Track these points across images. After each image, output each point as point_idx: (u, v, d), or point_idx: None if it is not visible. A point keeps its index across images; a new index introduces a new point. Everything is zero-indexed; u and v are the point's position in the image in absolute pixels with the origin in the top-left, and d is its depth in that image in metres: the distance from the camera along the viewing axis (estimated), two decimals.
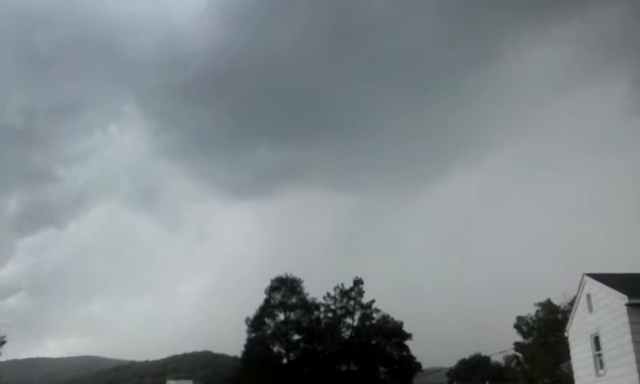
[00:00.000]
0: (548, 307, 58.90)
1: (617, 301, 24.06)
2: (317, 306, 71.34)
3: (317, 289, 72.66)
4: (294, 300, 69.78)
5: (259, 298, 70.46)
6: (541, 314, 59.69)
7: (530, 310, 62.01)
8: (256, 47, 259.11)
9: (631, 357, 22.78)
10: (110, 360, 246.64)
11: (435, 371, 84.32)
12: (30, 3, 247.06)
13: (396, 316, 72.13)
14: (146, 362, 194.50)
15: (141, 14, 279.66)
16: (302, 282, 70.86)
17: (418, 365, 71.76)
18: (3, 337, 63.35)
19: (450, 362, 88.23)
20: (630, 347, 22.91)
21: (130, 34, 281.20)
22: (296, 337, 70.15)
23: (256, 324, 68.86)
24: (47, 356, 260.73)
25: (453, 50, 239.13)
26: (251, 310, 70.11)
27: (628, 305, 23.21)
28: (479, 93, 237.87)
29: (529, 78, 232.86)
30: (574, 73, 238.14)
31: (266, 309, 69.44)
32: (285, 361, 68.85)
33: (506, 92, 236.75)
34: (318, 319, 71.21)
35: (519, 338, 63.58)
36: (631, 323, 23.03)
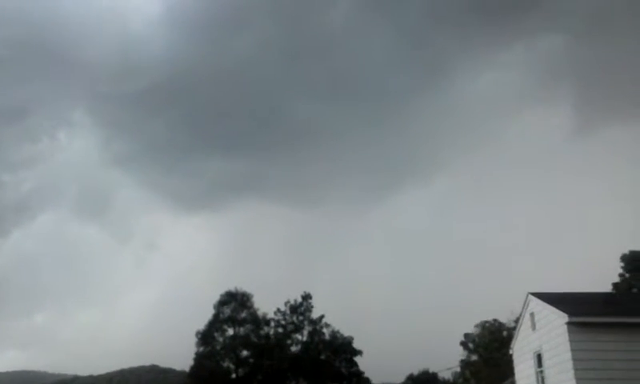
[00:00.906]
0: (494, 325, 60.26)
1: (558, 319, 24.74)
2: (267, 322, 70.82)
3: (267, 303, 72.20)
4: (243, 314, 69.03)
5: (209, 312, 69.49)
6: (486, 332, 60.97)
7: (476, 328, 63.33)
8: (211, 59, 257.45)
9: (570, 374, 23.45)
10: (52, 374, 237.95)
11: None
12: None
13: (346, 332, 72.32)
14: (90, 377, 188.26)
15: (95, 20, 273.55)
16: (252, 296, 70.31)
17: (367, 380, 71.93)
18: None
19: (399, 378, 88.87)
20: (569, 365, 23.58)
21: (83, 38, 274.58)
22: (245, 352, 69.26)
23: (205, 338, 67.67)
24: None
25: (406, 70, 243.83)
26: (200, 324, 69.05)
27: (568, 323, 23.89)
28: (431, 113, 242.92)
29: (479, 101, 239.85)
30: (520, 97, 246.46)
31: (215, 323, 68.38)
32: (234, 376, 67.82)
33: (457, 113, 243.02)
34: (267, 335, 70.60)
35: (466, 355, 64.81)
36: (571, 341, 23.70)
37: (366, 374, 71.39)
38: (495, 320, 60.52)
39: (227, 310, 68.89)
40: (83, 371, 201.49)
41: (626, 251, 57.61)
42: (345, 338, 71.79)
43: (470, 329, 63.83)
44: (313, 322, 71.98)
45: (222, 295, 69.67)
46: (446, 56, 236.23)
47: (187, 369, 70.54)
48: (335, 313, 73.60)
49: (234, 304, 69.01)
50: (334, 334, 71.82)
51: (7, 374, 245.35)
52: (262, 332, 70.15)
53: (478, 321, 62.75)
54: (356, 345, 71.36)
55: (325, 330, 72.17)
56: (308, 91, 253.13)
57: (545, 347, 26.53)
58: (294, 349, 71.44)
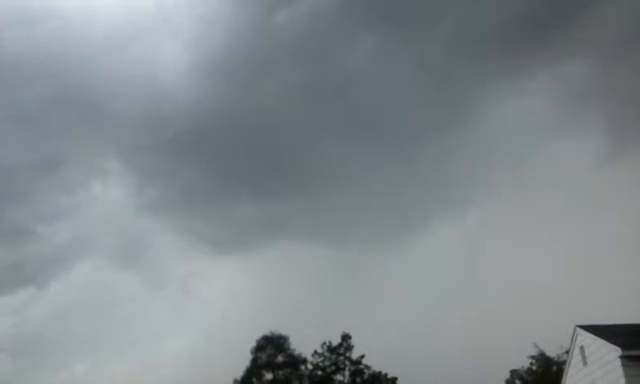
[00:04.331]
0: (542, 360, 57.66)
1: (611, 353, 23.18)
2: (304, 362, 69.57)
3: (304, 345, 70.73)
4: (280, 358, 67.95)
5: (246, 357, 68.44)
6: (535, 368, 58.38)
7: (523, 363, 60.72)
8: (237, 104, 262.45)
9: None
10: None
11: None
12: (12, 60, 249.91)
13: (387, 370, 70.35)
14: None
15: (125, 72, 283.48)
16: (288, 338, 69.16)
17: None
18: None
19: None
20: None
21: (114, 90, 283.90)
22: None
23: None
24: None
25: (430, 105, 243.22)
26: (238, 371, 68.02)
27: (622, 357, 22.32)
28: (457, 147, 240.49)
29: (505, 132, 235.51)
30: (547, 126, 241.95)
31: (253, 369, 67.42)
32: None
33: (485, 146, 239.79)
34: (308, 376, 69.29)
35: None
36: (626, 376, 22.10)
37: None
38: (543, 354, 57.94)
39: (264, 355, 67.95)
40: None
41: None
42: (388, 378, 69.99)
43: (517, 365, 61.32)
44: (353, 363, 70.43)
45: (258, 340, 68.78)
46: (473, 88, 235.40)
47: None
48: (373, 353, 71.87)
49: (271, 348, 68.08)
50: (376, 375, 70.09)
51: None
52: (300, 374, 68.87)
53: (524, 356, 60.22)
54: None
55: (366, 371, 70.52)
56: (332, 132, 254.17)
57: (598, 383, 24.85)
58: None
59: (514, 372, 61.90)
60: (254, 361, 67.90)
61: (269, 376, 67.61)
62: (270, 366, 67.68)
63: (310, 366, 69.61)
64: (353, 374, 70.39)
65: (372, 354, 71.70)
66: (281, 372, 68.13)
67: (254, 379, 67.53)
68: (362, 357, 70.27)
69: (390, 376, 69.90)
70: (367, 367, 70.04)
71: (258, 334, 69.47)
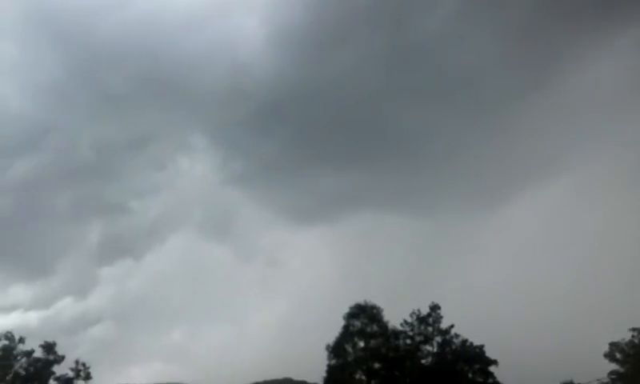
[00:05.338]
0: None
1: None
2: (396, 334, 70.57)
3: (391, 314, 71.92)
4: (374, 327, 69.18)
5: (335, 325, 70.52)
6: (637, 341, 56.52)
7: (624, 335, 58.84)
8: (316, 75, 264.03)
9: None
10: None
11: None
12: (100, 42, 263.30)
13: (476, 340, 70.52)
14: None
15: (206, 50, 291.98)
16: (381, 309, 70.38)
17: None
18: (85, 365, 67.01)
19: None
20: None
21: (197, 68, 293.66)
22: (376, 365, 69.34)
23: (336, 351, 68.64)
24: (133, 383, 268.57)
25: (514, 69, 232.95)
26: (328, 337, 70.16)
27: None
28: (543, 111, 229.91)
29: (593, 94, 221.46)
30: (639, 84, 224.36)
31: (346, 336, 69.19)
32: None
33: (571, 111, 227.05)
34: (396, 346, 70.39)
35: (610, 365, 60.25)
36: None
37: None
38: None
39: (357, 323, 69.51)
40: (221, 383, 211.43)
41: None
42: (476, 347, 69.99)
43: (616, 337, 59.44)
44: (442, 333, 70.81)
45: (351, 308, 70.53)
46: (558, 49, 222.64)
47: (319, 381, 71.93)
48: (461, 323, 71.71)
49: (364, 317, 69.49)
50: (465, 344, 70.23)
51: None
52: (391, 344, 69.98)
53: (624, 329, 58.29)
54: (489, 354, 69.35)
55: (455, 341, 70.77)
56: (413, 98, 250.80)
57: None
58: (424, 361, 70.63)
59: (613, 345, 60.15)
60: (346, 327, 69.75)
61: (361, 343, 69.20)
62: (362, 334, 69.25)
63: (400, 336, 70.60)
64: (442, 344, 70.81)
65: (460, 323, 71.87)
66: (372, 341, 69.47)
67: (346, 345, 69.23)
68: (451, 327, 70.78)
69: (477, 344, 70.11)
70: (457, 336, 70.44)
71: (344, 304, 71.25)
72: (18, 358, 65.14)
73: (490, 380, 68.54)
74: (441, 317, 71.24)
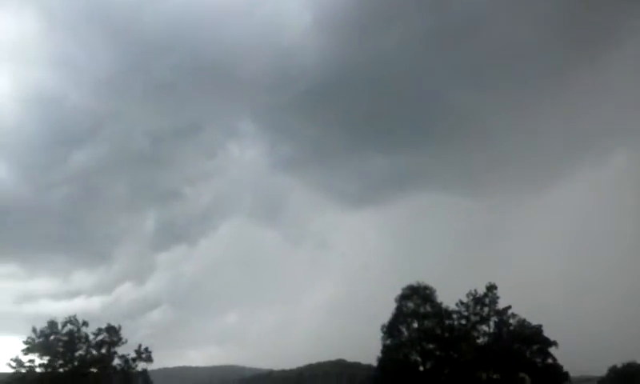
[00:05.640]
0: None
1: None
2: (449, 314, 69.92)
3: (445, 295, 71.28)
4: (427, 308, 68.69)
5: (388, 306, 70.31)
6: None
7: None
8: (361, 58, 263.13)
9: None
10: (249, 369, 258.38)
11: (585, 381, 78.83)
12: (150, 33, 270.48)
13: (533, 320, 69.29)
14: (283, 371, 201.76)
15: (252, 36, 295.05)
16: (434, 290, 69.76)
17: (565, 374, 67.64)
18: (148, 349, 69.29)
19: (601, 371, 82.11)
20: None
21: (243, 54, 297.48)
22: (430, 345, 68.98)
23: (391, 332, 68.54)
24: (192, 365, 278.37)
25: (568, 40, 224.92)
26: (381, 318, 70.07)
27: None
28: (601, 84, 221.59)
29: None
30: None
31: (399, 317, 68.96)
32: (421, 369, 68.00)
33: (631, 80, 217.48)
34: (451, 327, 69.73)
35: None
36: None
37: (564, 368, 67.25)
38: None
39: (410, 304, 69.20)
40: (275, 366, 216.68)
41: None
42: (533, 326, 68.70)
43: None
44: (499, 313, 69.80)
45: (403, 289, 70.14)
46: (613, 18, 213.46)
47: (373, 362, 72.19)
48: (517, 304, 70.37)
49: (417, 298, 69.11)
50: (522, 324, 69.05)
51: (212, 368, 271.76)
52: (445, 325, 69.46)
53: None
54: (548, 335, 68.03)
55: (511, 321, 69.71)
56: (461, 77, 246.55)
57: None
58: (479, 341, 69.84)
59: None
60: (399, 308, 69.50)
61: (415, 324, 68.92)
62: (416, 315, 68.89)
63: (454, 316, 69.97)
64: (498, 324, 69.82)
65: (516, 303, 70.71)
66: (426, 321, 69.10)
67: (400, 326, 69.06)
68: (508, 307, 69.62)
69: (535, 324, 68.84)
70: (513, 315, 69.26)
71: (394, 285, 70.87)
72: (83, 341, 67.73)
73: (549, 360, 67.10)
74: (497, 297, 70.30)
